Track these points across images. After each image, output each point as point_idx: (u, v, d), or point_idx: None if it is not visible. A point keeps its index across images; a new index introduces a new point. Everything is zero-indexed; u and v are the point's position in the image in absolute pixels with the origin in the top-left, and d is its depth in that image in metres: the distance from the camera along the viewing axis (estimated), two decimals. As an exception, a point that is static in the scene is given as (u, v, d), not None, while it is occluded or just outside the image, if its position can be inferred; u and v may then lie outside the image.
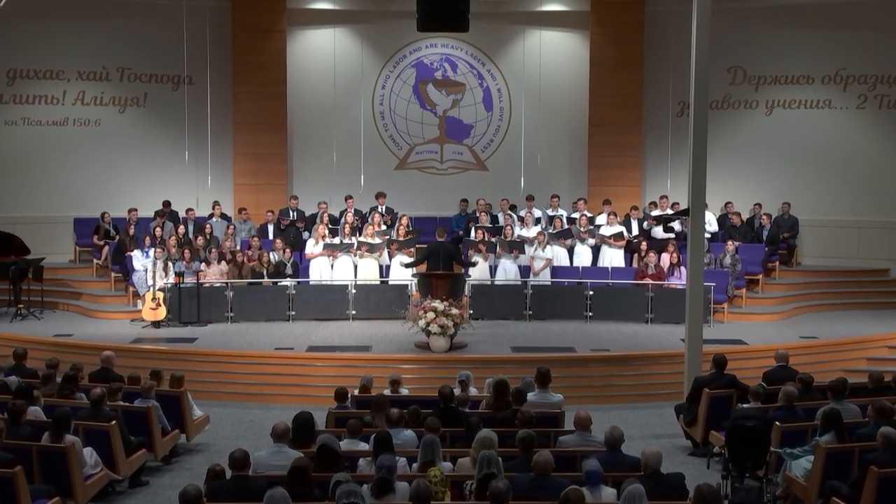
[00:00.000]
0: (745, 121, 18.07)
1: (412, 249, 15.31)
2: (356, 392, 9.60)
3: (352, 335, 13.71)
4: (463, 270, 14.44)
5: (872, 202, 17.47)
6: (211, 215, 16.70)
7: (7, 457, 7.15)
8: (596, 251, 15.84)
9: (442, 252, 13.68)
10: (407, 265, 14.62)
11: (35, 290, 15.35)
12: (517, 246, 15.25)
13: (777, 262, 16.60)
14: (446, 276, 13.29)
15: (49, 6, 17.20)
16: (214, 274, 14.85)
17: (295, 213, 16.83)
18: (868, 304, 16.12)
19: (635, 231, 16.26)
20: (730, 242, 15.46)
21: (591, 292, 14.72)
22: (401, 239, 15.46)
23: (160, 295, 14.08)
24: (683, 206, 13.55)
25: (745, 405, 9.12)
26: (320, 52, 18.35)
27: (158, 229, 15.69)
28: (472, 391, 9.68)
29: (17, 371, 10.08)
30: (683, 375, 10.93)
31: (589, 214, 16.43)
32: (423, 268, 14.03)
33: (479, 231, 15.80)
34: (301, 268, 15.40)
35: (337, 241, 15.39)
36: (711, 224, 16.08)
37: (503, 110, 18.67)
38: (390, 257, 15.39)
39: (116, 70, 17.78)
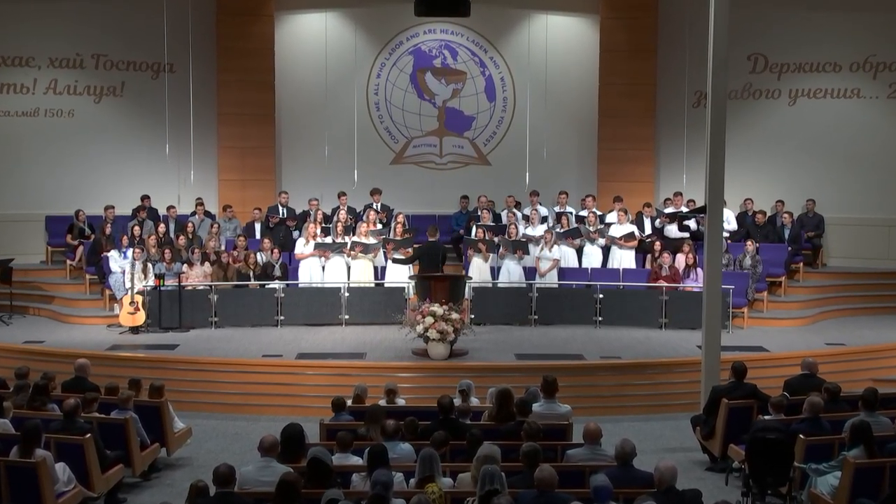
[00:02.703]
0: (767, 112, 18.08)
1: (409, 250, 15.32)
2: (349, 402, 9.60)
3: (344, 341, 13.71)
4: (463, 272, 14.48)
5: (904, 199, 17.53)
6: (193, 213, 16.71)
7: (-27, 472, 7.15)
8: (606, 252, 15.85)
9: (432, 252, 13.75)
10: (395, 260, 14.70)
11: (3, 294, 15.38)
12: (521, 246, 15.25)
13: (801, 264, 16.62)
14: (446, 279, 13.31)
15: (19, -12, 17.28)
16: (197, 276, 14.85)
17: (285, 211, 16.84)
18: (899, 308, 16.16)
19: (648, 230, 16.27)
20: (750, 242, 15.46)
21: (600, 295, 14.71)
22: (397, 238, 15.45)
23: (139, 298, 14.07)
24: (700, 202, 13.57)
25: (766, 417, 9.12)
26: (311, 37, 18.35)
27: (137, 228, 15.70)
28: (474, 401, 9.69)
29: (-16, 380, 10.09)
30: (700, 385, 10.94)
31: (598, 212, 16.44)
32: (416, 268, 14.07)
33: (481, 230, 15.80)
34: (290, 269, 15.41)
35: (329, 240, 15.40)
36: (730, 222, 16.11)
37: (507, 101, 18.67)
38: (386, 258, 15.40)
39: (91, 57, 17.77)
